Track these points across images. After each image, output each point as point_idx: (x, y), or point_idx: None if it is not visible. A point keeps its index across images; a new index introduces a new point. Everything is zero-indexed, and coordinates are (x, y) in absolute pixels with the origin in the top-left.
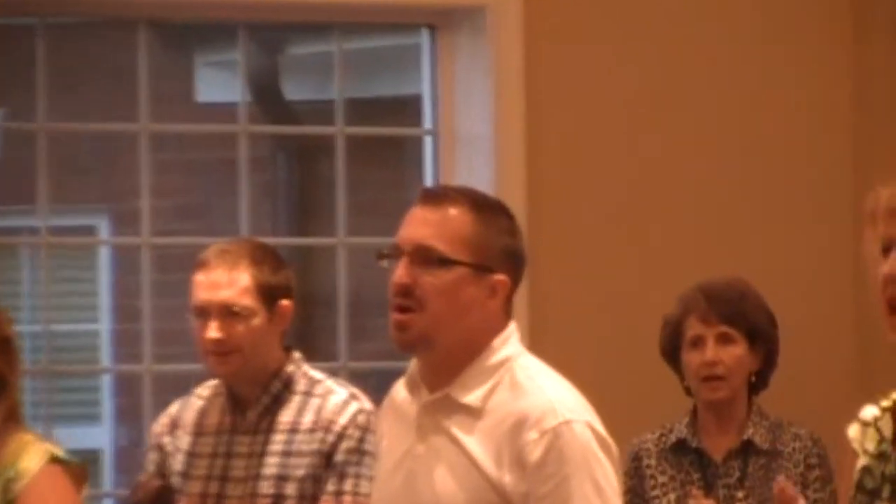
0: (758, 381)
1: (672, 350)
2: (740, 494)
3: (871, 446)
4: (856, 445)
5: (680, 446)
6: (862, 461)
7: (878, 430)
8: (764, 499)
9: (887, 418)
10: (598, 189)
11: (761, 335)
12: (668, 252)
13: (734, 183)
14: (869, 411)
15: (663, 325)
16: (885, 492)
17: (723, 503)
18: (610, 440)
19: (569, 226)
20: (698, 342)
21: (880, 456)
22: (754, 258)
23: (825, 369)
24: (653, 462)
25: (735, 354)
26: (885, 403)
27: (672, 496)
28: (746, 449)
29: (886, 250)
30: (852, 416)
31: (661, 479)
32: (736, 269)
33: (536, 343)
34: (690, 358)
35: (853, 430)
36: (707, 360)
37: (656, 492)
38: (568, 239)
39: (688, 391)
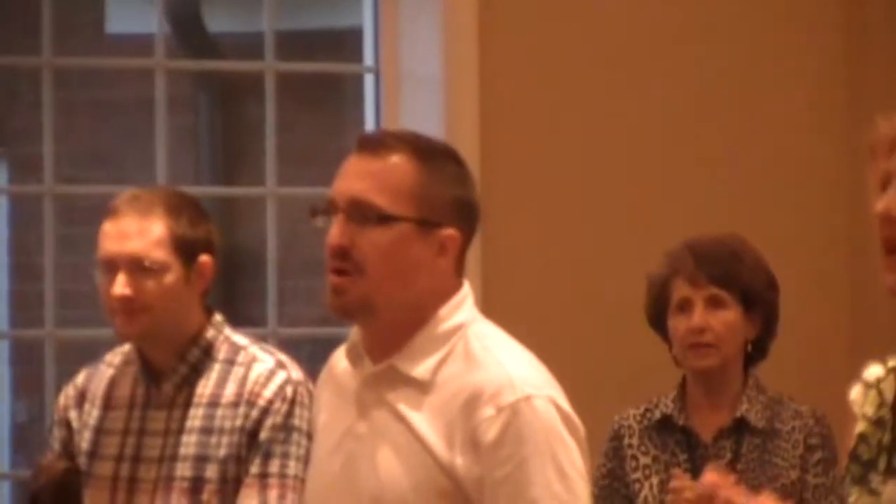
0: (755, 351)
1: (657, 314)
2: (731, 479)
3: (870, 410)
4: (856, 409)
5: (665, 424)
6: (859, 427)
7: (880, 392)
8: (758, 484)
9: (891, 380)
10: (558, 133)
11: (758, 299)
12: (643, 202)
13: (713, 132)
14: (873, 371)
15: (648, 285)
16: (881, 463)
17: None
18: (576, 418)
19: (526, 174)
20: (685, 306)
21: (878, 422)
22: (736, 212)
23: (821, 337)
24: (635, 441)
25: (726, 320)
26: (892, 363)
27: (655, 479)
28: (739, 427)
29: (884, 185)
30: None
31: (644, 460)
32: (716, 224)
33: (491, 307)
34: (677, 323)
35: (855, 392)
36: (694, 325)
37: (637, 475)
38: (526, 189)
39: (676, 361)
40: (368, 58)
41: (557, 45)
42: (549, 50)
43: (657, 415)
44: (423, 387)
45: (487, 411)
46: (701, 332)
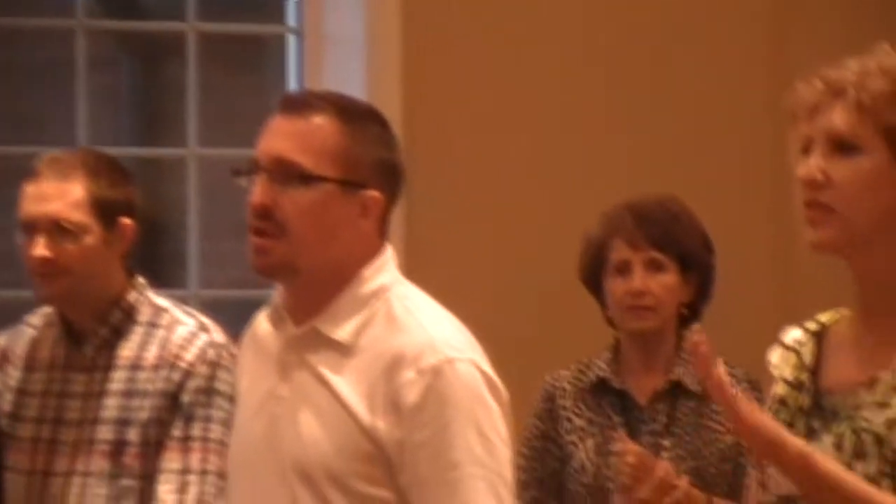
0: (689, 314)
1: (593, 274)
2: (667, 442)
3: (789, 373)
4: (775, 371)
5: (600, 386)
6: (778, 390)
7: (800, 355)
8: (694, 447)
9: (811, 344)
10: (482, 94)
11: (695, 262)
12: (568, 163)
13: (638, 93)
14: (792, 334)
15: (584, 245)
16: (800, 425)
17: (647, 450)
18: (499, 382)
19: (450, 137)
20: (624, 268)
21: (797, 385)
22: (660, 173)
23: (748, 299)
24: (568, 403)
25: (665, 283)
26: (811, 326)
27: (590, 442)
28: (675, 391)
29: (806, 150)
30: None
31: (578, 421)
32: (640, 185)
33: (414, 270)
34: (614, 285)
35: (774, 355)
36: (634, 288)
37: (572, 437)
38: (450, 151)
39: (610, 322)
40: (291, 18)
41: (481, 5)
42: (473, 11)
43: (592, 377)
44: (345, 349)
45: (409, 374)
46: (640, 295)
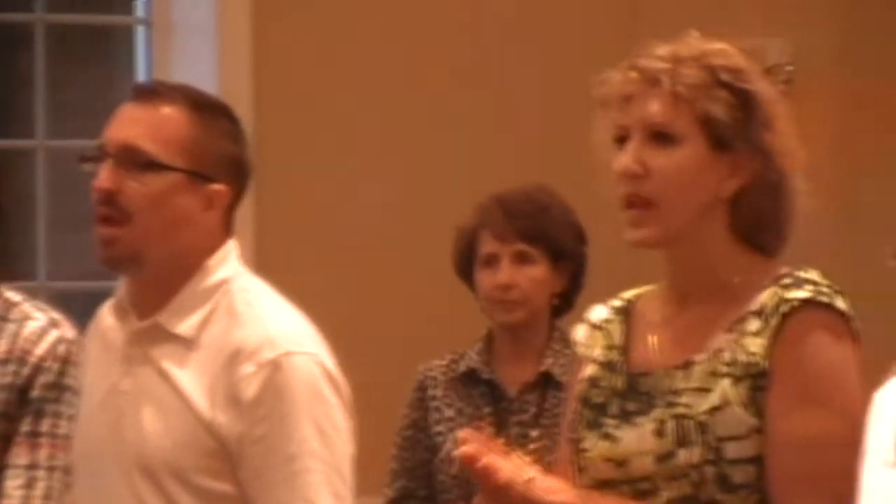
0: (561, 304)
1: (465, 266)
2: (535, 433)
3: (598, 353)
4: (582, 350)
5: (470, 376)
6: (589, 370)
7: (608, 334)
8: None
9: (618, 322)
10: (336, 89)
11: (567, 253)
12: (426, 155)
13: (493, 79)
14: (598, 312)
15: (456, 238)
16: (614, 407)
17: (515, 441)
18: (340, 377)
19: (302, 132)
20: (492, 261)
21: (609, 365)
22: (520, 159)
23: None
24: (439, 392)
25: (533, 276)
26: (617, 303)
27: (458, 432)
28: (544, 381)
29: (621, 140)
30: None
31: (448, 412)
32: (495, 173)
33: (264, 267)
34: (483, 277)
35: (580, 332)
36: (500, 282)
37: (441, 426)
38: (302, 147)
39: (486, 312)
40: (139, 9)
41: None
42: (324, 2)
43: (462, 367)
44: (187, 344)
45: (248, 368)
46: (507, 288)
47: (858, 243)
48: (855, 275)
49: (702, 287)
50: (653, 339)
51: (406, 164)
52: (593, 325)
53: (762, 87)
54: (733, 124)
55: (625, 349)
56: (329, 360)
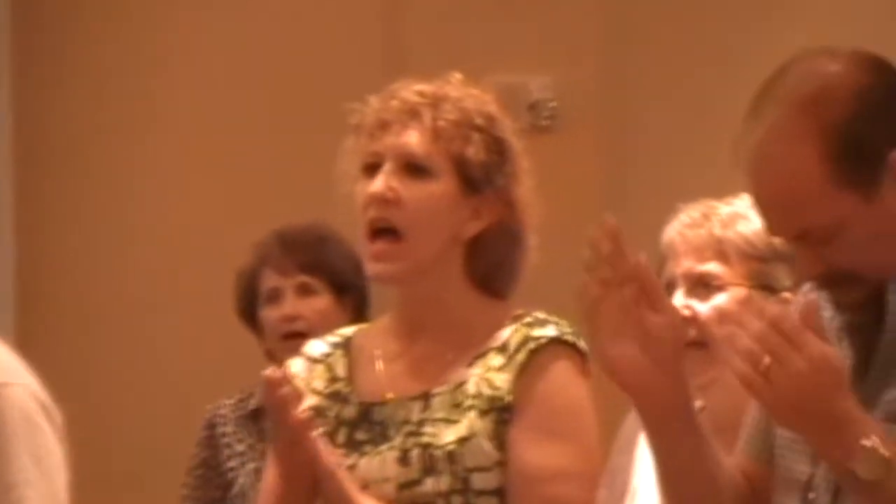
0: None
1: (247, 307)
2: None
3: (320, 385)
4: (300, 383)
5: (261, 412)
6: (310, 401)
7: (329, 367)
8: None
9: (338, 355)
10: (97, 121)
11: (348, 285)
12: (198, 199)
13: (260, 117)
14: (316, 347)
15: (237, 279)
16: (341, 437)
17: None
18: (53, 407)
19: (66, 176)
20: (276, 296)
21: (334, 396)
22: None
23: None
24: (229, 429)
25: (317, 307)
26: (334, 339)
27: (251, 466)
28: None
29: (370, 168)
30: None
31: (239, 447)
32: (255, 206)
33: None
34: (268, 313)
35: (297, 366)
36: (285, 314)
37: (233, 462)
38: (65, 188)
39: (270, 355)
40: None
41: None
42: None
43: (252, 404)
44: None
45: None
46: (293, 319)
47: None
48: None
49: (435, 323)
50: (380, 369)
51: (179, 210)
52: (313, 358)
53: (513, 140)
54: (485, 169)
55: (350, 380)
56: (40, 389)
